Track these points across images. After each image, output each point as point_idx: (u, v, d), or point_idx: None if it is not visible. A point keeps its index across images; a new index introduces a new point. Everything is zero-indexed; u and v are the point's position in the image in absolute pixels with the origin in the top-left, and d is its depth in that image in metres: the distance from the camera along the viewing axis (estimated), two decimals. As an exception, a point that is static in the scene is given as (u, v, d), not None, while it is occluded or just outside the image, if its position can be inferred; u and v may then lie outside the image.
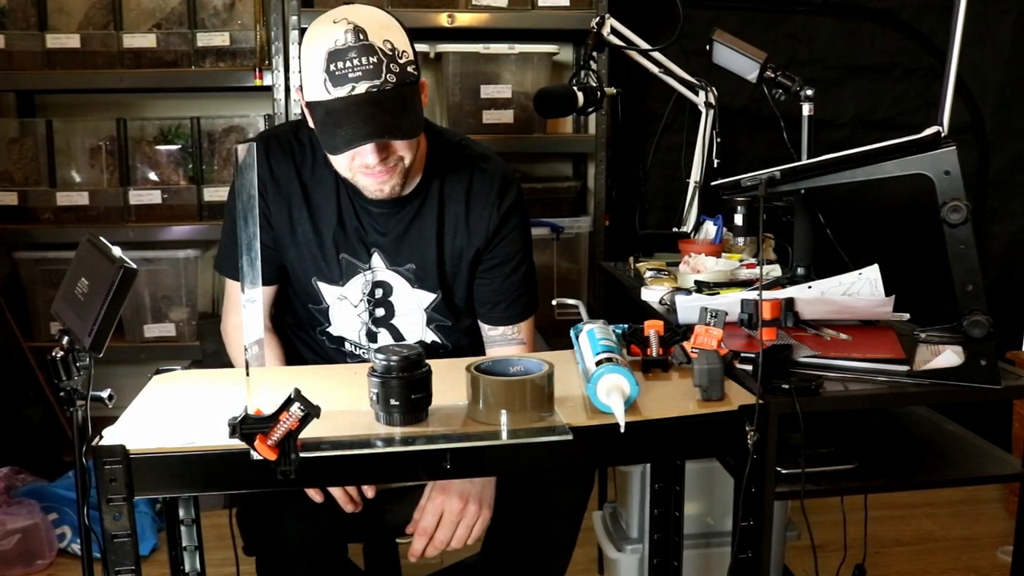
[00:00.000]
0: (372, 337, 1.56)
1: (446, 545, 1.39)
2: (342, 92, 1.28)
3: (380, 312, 1.54)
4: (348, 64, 1.27)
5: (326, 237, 1.48)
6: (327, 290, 1.52)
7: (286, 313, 1.62)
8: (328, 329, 1.57)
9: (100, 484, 1.01)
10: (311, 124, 1.37)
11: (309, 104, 1.34)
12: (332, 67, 1.27)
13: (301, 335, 1.62)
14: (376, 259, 1.51)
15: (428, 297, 1.54)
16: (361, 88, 1.28)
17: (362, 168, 1.36)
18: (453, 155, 1.51)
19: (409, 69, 1.33)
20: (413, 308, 1.55)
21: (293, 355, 1.62)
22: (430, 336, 1.58)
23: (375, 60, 1.28)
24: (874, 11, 2.78)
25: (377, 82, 1.28)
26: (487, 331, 1.59)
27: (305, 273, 1.51)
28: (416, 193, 1.48)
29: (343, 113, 1.28)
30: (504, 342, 1.58)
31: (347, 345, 1.58)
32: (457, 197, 1.50)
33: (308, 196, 1.47)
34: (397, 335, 1.57)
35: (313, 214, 1.48)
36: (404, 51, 1.33)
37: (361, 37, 1.28)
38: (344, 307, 1.53)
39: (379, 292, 1.53)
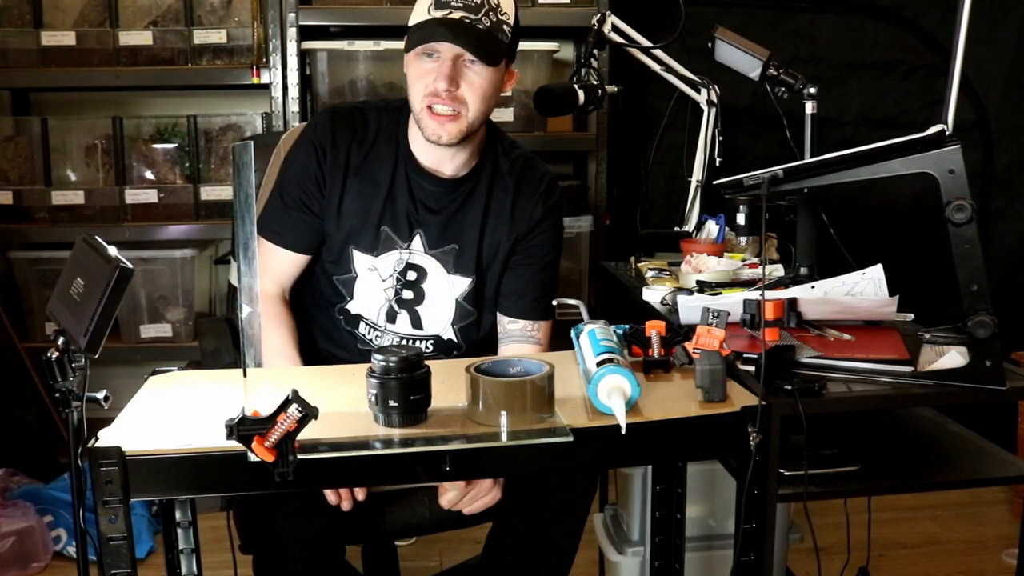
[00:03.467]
0: (391, 317, 1.57)
1: (451, 506, 1.44)
2: (439, 13, 1.42)
3: (408, 294, 1.56)
4: None
5: (373, 208, 1.53)
6: (360, 259, 1.55)
7: (306, 289, 1.63)
8: (347, 306, 1.57)
9: (96, 486, 1.00)
10: (405, 48, 1.47)
11: (409, 28, 1.46)
12: None
13: (317, 314, 1.62)
14: (417, 241, 1.55)
15: (462, 284, 1.56)
16: (456, 15, 1.41)
17: (431, 97, 1.44)
18: (507, 150, 1.60)
19: (504, 28, 1.45)
20: (444, 298, 1.57)
21: (305, 335, 1.62)
22: (448, 334, 1.59)
23: (478, 1, 1.42)
24: (878, 8, 2.78)
25: (472, 17, 1.42)
26: (507, 324, 1.60)
27: (342, 241, 1.54)
28: (469, 177, 1.56)
29: (433, 24, 1.41)
30: (523, 338, 1.59)
31: (362, 327, 1.58)
32: (505, 187, 1.58)
33: (364, 166, 1.54)
34: (417, 322, 1.57)
35: (365, 184, 1.54)
36: (507, 15, 1.46)
37: None
38: (372, 279, 1.55)
39: (412, 275, 1.56)
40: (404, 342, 1.57)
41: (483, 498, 1.42)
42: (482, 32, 1.41)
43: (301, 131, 1.60)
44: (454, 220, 1.56)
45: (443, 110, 1.44)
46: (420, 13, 1.44)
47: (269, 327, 1.48)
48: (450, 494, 1.42)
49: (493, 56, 1.43)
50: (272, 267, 1.54)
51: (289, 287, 1.59)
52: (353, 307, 1.57)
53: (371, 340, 1.58)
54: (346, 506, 1.39)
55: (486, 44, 1.42)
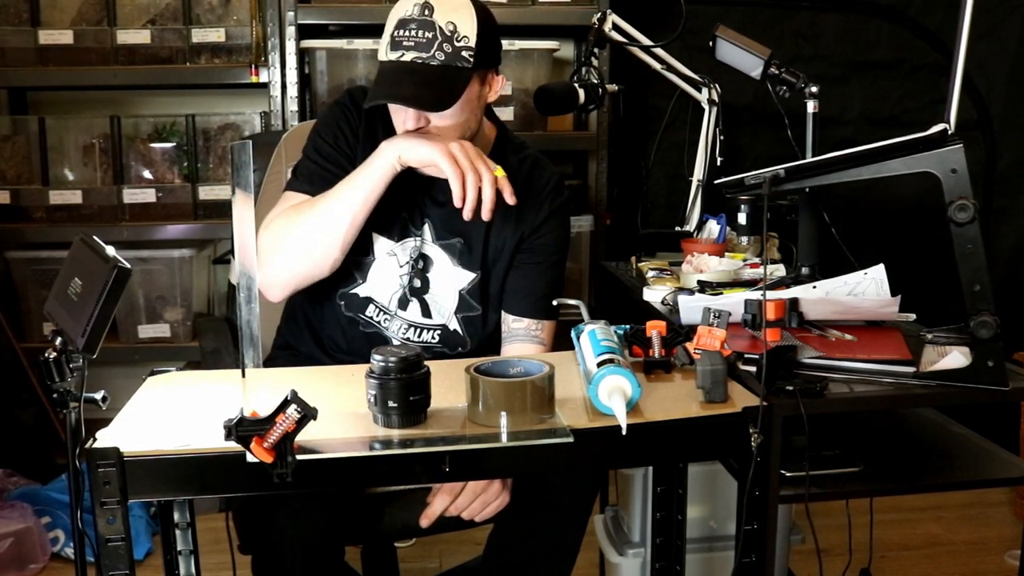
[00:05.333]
0: (403, 304, 1.57)
1: (459, 512, 1.41)
2: (394, 56, 1.41)
3: (417, 283, 1.57)
4: (407, 33, 1.40)
5: (392, 191, 1.52)
6: (381, 243, 1.55)
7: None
8: (355, 290, 1.56)
9: (94, 487, 1.00)
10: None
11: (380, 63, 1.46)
12: (395, 33, 1.41)
13: (315, 302, 1.60)
14: (426, 230, 1.56)
15: (466, 277, 1.57)
16: (408, 57, 1.40)
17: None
18: (516, 150, 1.61)
19: (464, 54, 1.42)
20: (448, 288, 1.57)
21: (304, 325, 1.61)
22: (454, 324, 1.59)
23: (430, 36, 1.39)
24: (880, 7, 2.77)
25: (424, 55, 1.39)
26: (511, 323, 1.60)
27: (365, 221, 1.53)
28: None
29: (386, 74, 1.41)
30: (527, 337, 1.59)
31: (370, 309, 1.57)
32: (513, 186, 1.55)
33: None
34: (426, 310, 1.57)
35: None
36: (465, 36, 1.42)
37: (427, 13, 1.40)
38: (390, 264, 1.55)
39: (421, 263, 1.56)
40: (412, 331, 1.56)
41: (493, 503, 1.41)
42: (435, 71, 1.39)
43: (327, 108, 1.60)
44: (458, 214, 1.55)
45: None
46: (381, 51, 1.44)
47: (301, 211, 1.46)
48: (431, 508, 1.41)
49: (445, 99, 1.40)
50: None
51: None
52: (363, 290, 1.56)
53: (379, 323, 1.57)
54: None
55: (437, 87, 1.39)
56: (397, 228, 1.54)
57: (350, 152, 1.53)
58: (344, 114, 1.55)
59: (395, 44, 1.40)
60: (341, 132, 1.53)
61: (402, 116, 1.44)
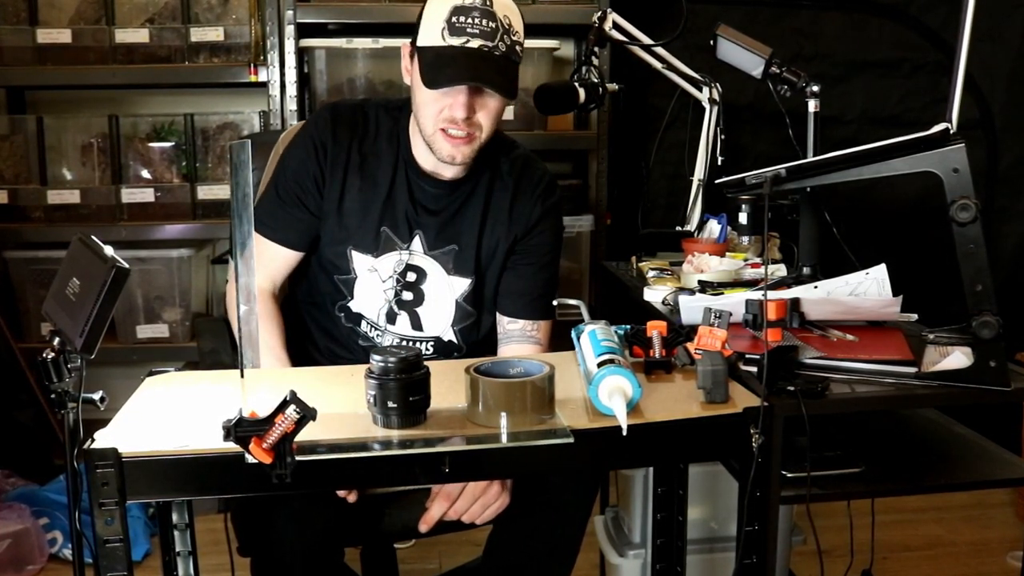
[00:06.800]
0: (391, 318, 1.56)
1: (458, 516, 1.40)
2: (456, 42, 1.38)
3: (408, 296, 1.56)
4: (469, 20, 1.39)
5: (373, 208, 1.53)
6: (359, 259, 1.54)
7: (305, 287, 1.63)
8: (348, 304, 1.57)
9: (92, 488, 1.00)
10: (407, 66, 1.48)
11: (420, 48, 1.42)
12: (454, 19, 1.39)
13: (316, 313, 1.62)
14: (416, 242, 1.55)
15: (462, 284, 1.56)
16: (474, 43, 1.39)
17: (447, 123, 1.43)
18: (507, 150, 1.60)
19: (517, 49, 1.44)
20: (444, 299, 1.56)
21: (303, 333, 1.61)
22: (449, 335, 1.59)
23: (493, 25, 1.39)
24: (881, 5, 2.77)
25: (489, 44, 1.39)
26: (506, 325, 1.60)
27: (341, 240, 1.54)
28: (468, 178, 1.55)
29: (452, 58, 1.38)
30: (523, 338, 1.59)
31: (363, 325, 1.57)
32: (505, 187, 1.58)
33: (364, 165, 1.53)
34: (417, 323, 1.57)
35: (365, 184, 1.53)
36: (518, 32, 1.45)
37: (487, 3, 1.40)
38: (372, 280, 1.54)
39: (411, 276, 1.56)
40: (404, 343, 1.56)
41: (492, 505, 1.40)
42: (500, 60, 1.40)
43: (301, 127, 1.59)
44: (453, 221, 1.55)
45: (458, 133, 1.43)
46: (432, 35, 1.40)
47: (260, 323, 1.47)
48: (430, 513, 1.40)
49: (512, 89, 1.43)
50: (264, 261, 1.53)
51: (280, 283, 1.59)
52: (354, 306, 1.57)
53: (372, 338, 1.57)
54: (352, 498, 1.38)
55: (504, 74, 1.40)
56: (377, 242, 1.53)
57: (315, 188, 1.52)
58: (309, 144, 1.52)
59: (456, 30, 1.38)
60: (305, 168, 1.52)
61: (448, 102, 1.41)
